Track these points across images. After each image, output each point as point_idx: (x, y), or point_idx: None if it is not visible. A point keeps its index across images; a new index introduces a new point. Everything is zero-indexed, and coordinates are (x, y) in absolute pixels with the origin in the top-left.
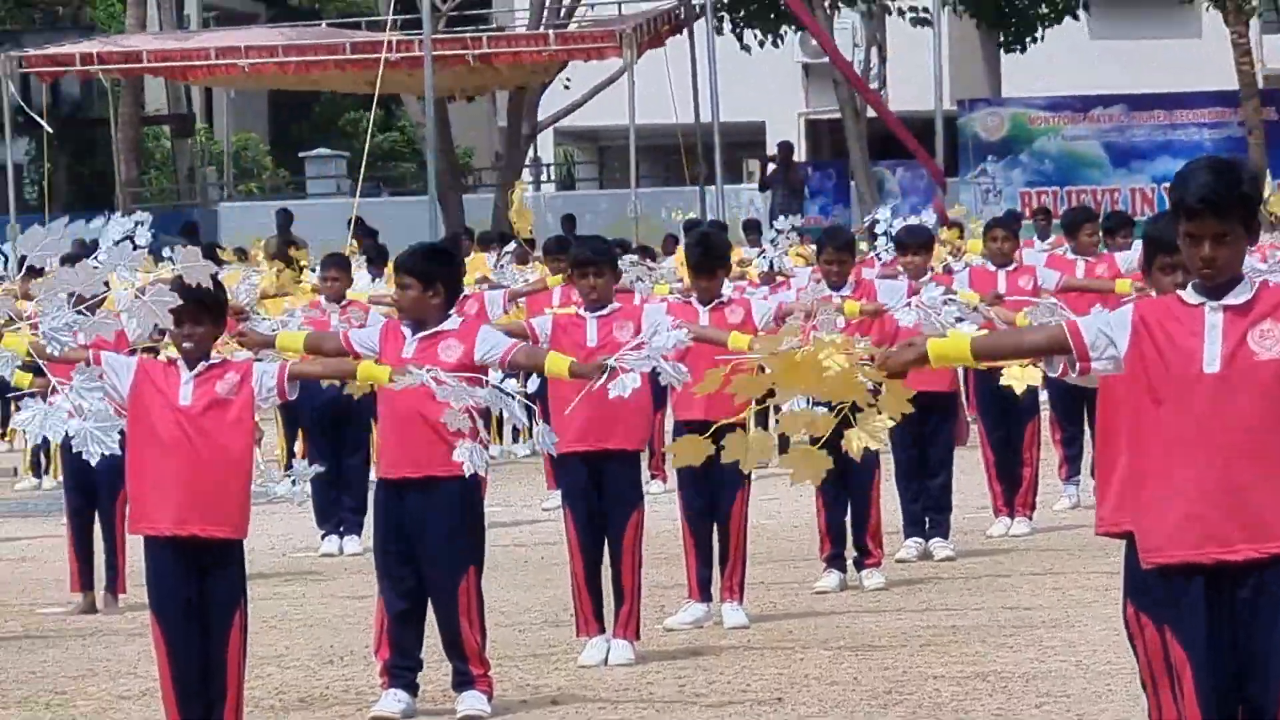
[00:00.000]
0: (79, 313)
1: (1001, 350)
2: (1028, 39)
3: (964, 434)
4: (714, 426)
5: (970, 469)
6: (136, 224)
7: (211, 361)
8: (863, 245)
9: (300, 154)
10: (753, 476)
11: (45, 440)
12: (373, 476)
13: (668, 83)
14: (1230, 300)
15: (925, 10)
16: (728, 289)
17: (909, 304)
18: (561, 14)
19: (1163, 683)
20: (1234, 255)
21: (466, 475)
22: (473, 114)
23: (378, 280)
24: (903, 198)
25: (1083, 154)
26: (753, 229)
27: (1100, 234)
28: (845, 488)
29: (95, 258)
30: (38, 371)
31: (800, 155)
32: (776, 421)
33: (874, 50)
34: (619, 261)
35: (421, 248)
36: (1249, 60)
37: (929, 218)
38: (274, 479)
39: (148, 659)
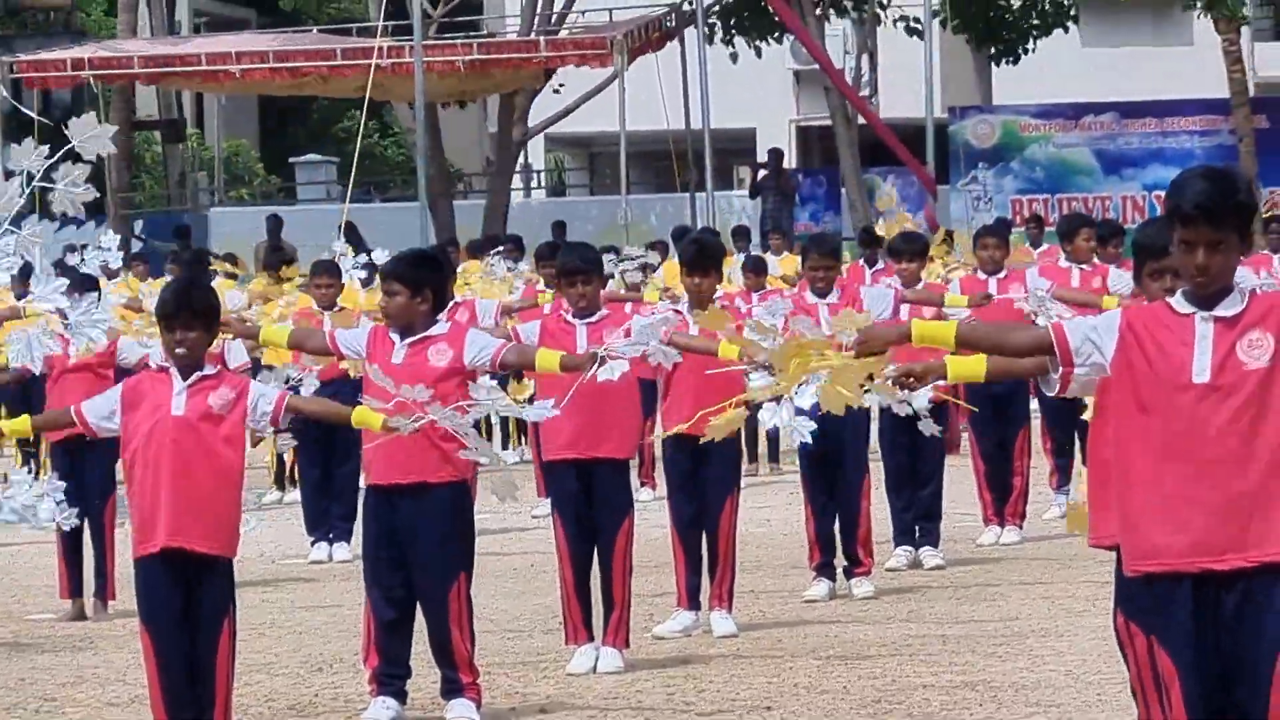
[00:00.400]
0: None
1: (986, 342)
2: (1020, 49)
3: (955, 443)
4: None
5: (961, 478)
6: (105, 250)
7: (205, 373)
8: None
9: (291, 160)
10: (742, 485)
11: (36, 446)
12: (362, 484)
13: (659, 89)
14: (1221, 312)
15: (917, 20)
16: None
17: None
18: (553, 20)
19: (1151, 693)
20: (1228, 264)
21: (475, 461)
22: (464, 120)
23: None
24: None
25: (1074, 162)
26: (742, 236)
27: (1095, 241)
28: (834, 496)
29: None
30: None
31: (791, 162)
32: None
33: (865, 58)
34: (626, 259)
35: (409, 254)
36: (1240, 68)
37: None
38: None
39: (137, 666)
